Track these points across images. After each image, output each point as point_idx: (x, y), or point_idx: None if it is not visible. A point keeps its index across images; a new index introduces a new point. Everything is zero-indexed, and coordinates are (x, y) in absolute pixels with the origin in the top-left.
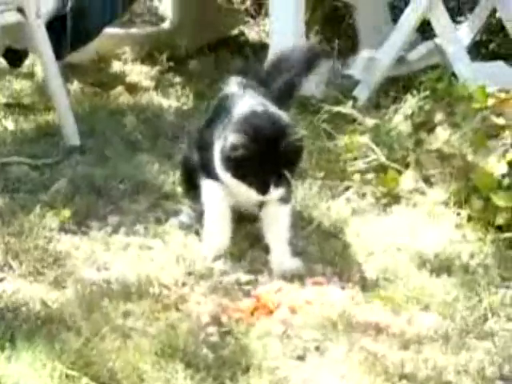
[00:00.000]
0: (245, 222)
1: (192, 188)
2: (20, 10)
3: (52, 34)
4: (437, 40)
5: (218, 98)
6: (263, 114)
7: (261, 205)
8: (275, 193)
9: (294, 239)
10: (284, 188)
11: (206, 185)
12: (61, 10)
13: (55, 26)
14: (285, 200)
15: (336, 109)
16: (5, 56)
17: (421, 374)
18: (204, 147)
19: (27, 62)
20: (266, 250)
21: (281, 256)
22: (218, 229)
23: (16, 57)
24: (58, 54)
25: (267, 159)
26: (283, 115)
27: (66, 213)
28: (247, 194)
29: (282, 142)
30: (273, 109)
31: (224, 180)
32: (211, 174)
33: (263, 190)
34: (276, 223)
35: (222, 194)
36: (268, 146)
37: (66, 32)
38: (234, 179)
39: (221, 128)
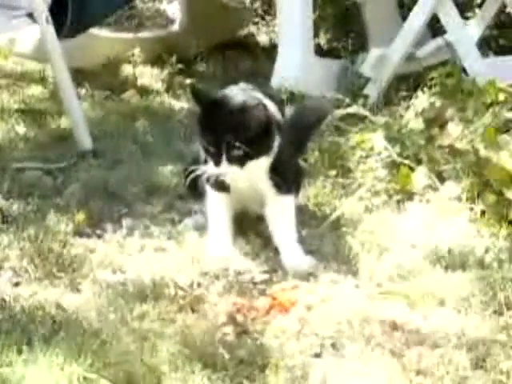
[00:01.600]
0: (258, 221)
1: (198, 191)
2: (30, 16)
3: (54, 15)
4: (446, 36)
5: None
6: (234, 96)
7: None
8: (230, 167)
9: (308, 237)
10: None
11: (208, 191)
12: None
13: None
14: (286, 192)
15: (345, 111)
16: None
17: (437, 369)
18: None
19: (38, 68)
20: None
21: (291, 254)
22: (220, 235)
23: None
24: (58, 34)
25: (216, 126)
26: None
27: (81, 216)
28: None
29: (232, 114)
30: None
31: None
32: (212, 179)
33: (216, 161)
34: (280, 219)
35: (223, 199)
36: (217, 113)
37: (67, 13)
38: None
39: None
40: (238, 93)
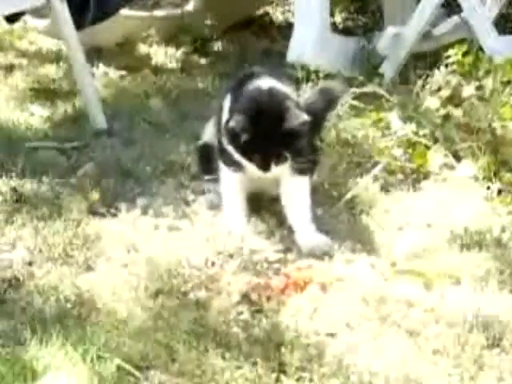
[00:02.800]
0: (273, 200)
1: (210, 169)
2: None
3: (74, 4)
4: (463, 14)
5: (233, 80)
6: (267, 95)
7: (278, 183)
8: (276, 169)
9: (323, 217)
10: (294, 162)
11: (223, 170)
12: None
13: None
14: (301, 172)
15: (361, 90)
16: None
17: (453, 349)
18: (219, 130)
19: (52, 47)
20: None
21: (306, 234)
22: (234, 214)
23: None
24: (80, 24)
25: (267, 139)
26: (290, 95)
27: (95, 196)
28: (253, 170)
29: (281, 123)
30: (282, 89)
31: (235, 156)
32: (226, 158)
33: (264, 167)
34: (294, 198)
35: (238, 178)
36: (267, 126)
37: (89, 2)
38: (239, 156)
39: (230, 108)
40: (276, 94)
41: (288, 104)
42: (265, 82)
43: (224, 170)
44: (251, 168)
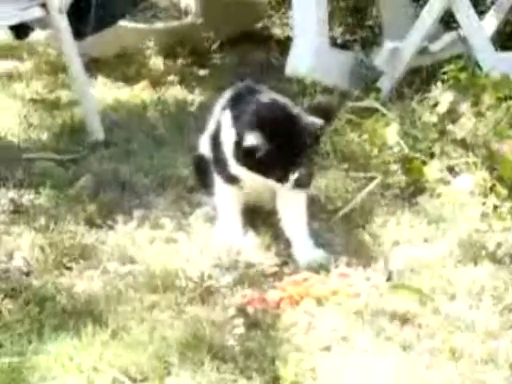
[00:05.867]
0: (269, 213)
1: (207, 182)
2: (43, 6)
3: (76, 13)
4: (460, 30)
5: (227, 96)
6: (275, 107)
7: (274, 196)
8: (293, 177)
9: (319, 230)
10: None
11: (218, 183)
12: None
13: (80, 5)
14: (298, 185)
15: (358, 104)
16: (12, 28)
17: (448, 364)
18: (216, 143)
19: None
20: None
21: (303, 247)
22: (231, 227)
23: (23, 30)
24: (80, 34)
25: (285, 150)
26: (293, 106)
27: (92, 207)
28: (263, 184)
29: (298, 132)
30: (283, 101)
31: (238, 176)
32: (223, 172)
33: (284, 179)
34: (291, 212)
35: (233, 192)
36: (284, 138)
37: (90, 12)
38: (250, 173)
39: (232, 123)
40: (283, 106)
41: (298, 113)
42: (264, 96)
43: (219, 183)
44: (263, 182)
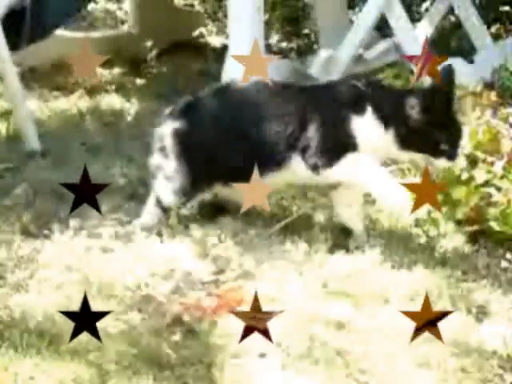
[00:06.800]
0: (207, 221)
1: None
2: None
3: (11, 25)
4: (394, 38)
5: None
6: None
7: None
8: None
9: (257, 239)
10: None
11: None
12: (20, 2)
13: (14, 16)
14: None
15: None
16: None
17: (381, 368)
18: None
19: None
20: (229, 249)
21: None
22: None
23: None
24: (15, 45)
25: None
26: None
27: (28, 216)
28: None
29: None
30: None
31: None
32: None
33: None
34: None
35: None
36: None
37: (25, 23)
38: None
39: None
40: None
41: None
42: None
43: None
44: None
